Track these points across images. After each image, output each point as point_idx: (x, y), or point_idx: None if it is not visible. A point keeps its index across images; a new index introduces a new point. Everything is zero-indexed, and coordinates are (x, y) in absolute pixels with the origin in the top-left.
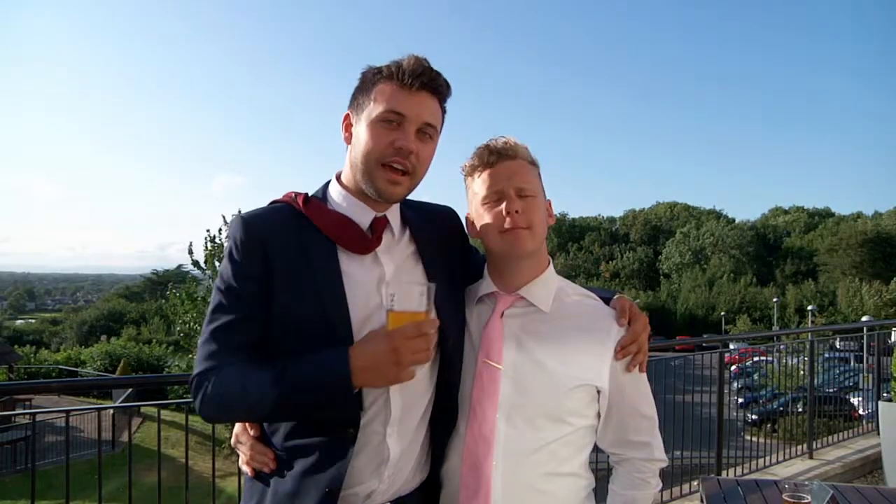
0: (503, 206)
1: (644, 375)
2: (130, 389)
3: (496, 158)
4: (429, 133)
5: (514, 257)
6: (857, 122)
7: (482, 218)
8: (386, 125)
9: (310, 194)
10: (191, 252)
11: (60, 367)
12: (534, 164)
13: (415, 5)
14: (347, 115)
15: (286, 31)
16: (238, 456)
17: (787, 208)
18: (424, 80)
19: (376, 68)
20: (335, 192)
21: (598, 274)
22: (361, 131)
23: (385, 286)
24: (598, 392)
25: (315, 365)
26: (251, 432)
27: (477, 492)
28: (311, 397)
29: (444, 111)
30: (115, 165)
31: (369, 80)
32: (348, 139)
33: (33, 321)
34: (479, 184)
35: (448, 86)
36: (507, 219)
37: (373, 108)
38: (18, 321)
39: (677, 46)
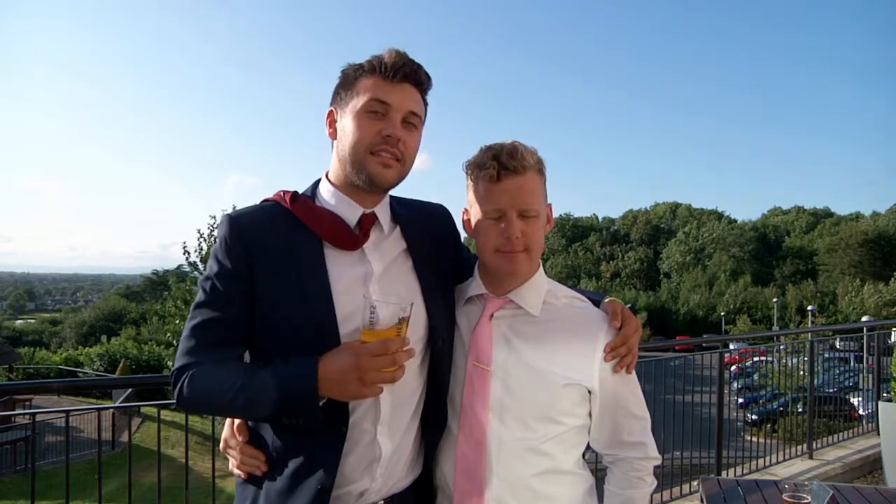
0: (503, 226)
1: (634, 376)
2: (130, 389)
3: (503, 174)
4: (413, 122)
5: (506, 276)
6: (857, 122)
7: (480, 231)
8: (372, 115)
9: (300, 192)
10: (185, 252)
11: (60, 367)
12: (541, 171)
13: (418, 9)
14: (331, 111)
15: (298, 34)
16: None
17: (787, 208)
18: (406, 72)
19: (357, 64)
20: (324, 189)
21: (598, 274)
22: (347, 124)
23: (373, 285)
24: (590, 393)
25: (283, 373)
26: (240, 437)
27: (472, 493)
28: (277, 405)
29: (426, 103)
30: (116, 166)
31: (351, 77)
32: (333, 135)
33: (33, 321)
34: (482, 195)
35: (429, 77)
36: (506, 242)
37: (357, 101)
38: (18, 321)
39: (677, 46)
